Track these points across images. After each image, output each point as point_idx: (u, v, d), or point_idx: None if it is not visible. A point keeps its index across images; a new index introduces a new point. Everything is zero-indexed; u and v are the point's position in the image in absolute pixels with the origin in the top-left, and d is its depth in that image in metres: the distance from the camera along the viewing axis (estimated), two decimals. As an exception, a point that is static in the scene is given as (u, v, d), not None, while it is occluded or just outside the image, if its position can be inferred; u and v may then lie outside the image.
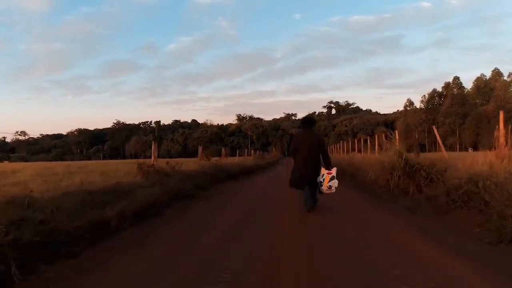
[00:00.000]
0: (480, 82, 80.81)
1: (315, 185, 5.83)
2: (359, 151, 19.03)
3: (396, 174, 6.64)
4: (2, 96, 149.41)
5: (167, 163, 7.96)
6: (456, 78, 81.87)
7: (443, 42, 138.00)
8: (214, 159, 11.23)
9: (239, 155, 20.51)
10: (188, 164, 10.23)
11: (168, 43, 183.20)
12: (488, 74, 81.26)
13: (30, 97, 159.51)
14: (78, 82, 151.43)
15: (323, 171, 5.88)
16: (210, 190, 8.29)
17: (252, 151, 26.91)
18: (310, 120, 6.29)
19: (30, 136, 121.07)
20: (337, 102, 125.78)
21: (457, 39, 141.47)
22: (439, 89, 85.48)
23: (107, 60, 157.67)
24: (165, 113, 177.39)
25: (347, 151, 23.24)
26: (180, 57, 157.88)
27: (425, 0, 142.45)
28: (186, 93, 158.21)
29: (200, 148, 11.05)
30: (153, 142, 7.66)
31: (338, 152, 26.44)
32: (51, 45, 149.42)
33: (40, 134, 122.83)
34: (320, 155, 5.91)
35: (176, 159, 11.79)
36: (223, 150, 14.72)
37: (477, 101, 79.33)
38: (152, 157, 7.59)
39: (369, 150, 14.83)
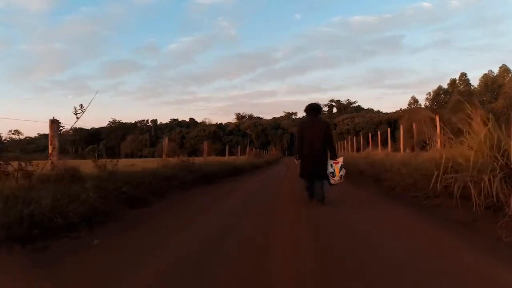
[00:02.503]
0: (488, 79, 77.73)
1: (324, 176, 5.52)
2: (362, 148, 16.39)
3: (490, 178, 3.55)
4: (5, 97, 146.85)
5: (94, 161, 4.97)
6: (463, 75, 78.86)
7: (443, 43, 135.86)
8: (185, 158, 8.12)
9: (230, 154, 17.41)
10: (148, 163, 7.24)
11: (169, 43, 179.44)
12: (495, 70, 78.34)
13: (31, 97, 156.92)
14: (78, 82, 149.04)
15: (329, 161, 5.57)
16: (153, 204, 4.89)
17: (248, 149, 23.78)
18: (315, 107, 5.79)
19: (27, 136, 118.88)
20: (338, 101, 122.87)
21: (457, 39, 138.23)
22: (445, 86, 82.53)
23: (108, 60, 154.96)
24: (165, 113, 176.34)
25: (357, 149, 20.25)
26: (180, 57, 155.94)
27: (425, 0, 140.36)
28: (186, 93, 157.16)
29: (165, 141, 7.95)
30: (50, 122, 4.59)
31: (346, 150, 23.35)
32: (52, 46, 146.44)
33: (38, 134, 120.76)
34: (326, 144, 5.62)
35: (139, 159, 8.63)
36: (204, 145, 11.63)
37: (485, 98, 76.29)
38: (50, 151, 4.54)
39: (389, 145, 11.79)
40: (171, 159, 7.60)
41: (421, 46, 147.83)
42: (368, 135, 14.57)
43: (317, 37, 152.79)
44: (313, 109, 5.75)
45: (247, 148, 23.76)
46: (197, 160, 9.41)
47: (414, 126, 10.30)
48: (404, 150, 11.91)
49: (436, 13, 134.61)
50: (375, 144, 21.28)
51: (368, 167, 9.53)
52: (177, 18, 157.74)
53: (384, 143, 17.34)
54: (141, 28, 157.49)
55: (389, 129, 11.72)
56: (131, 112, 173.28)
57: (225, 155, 20.62)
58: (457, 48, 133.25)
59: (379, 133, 12.65)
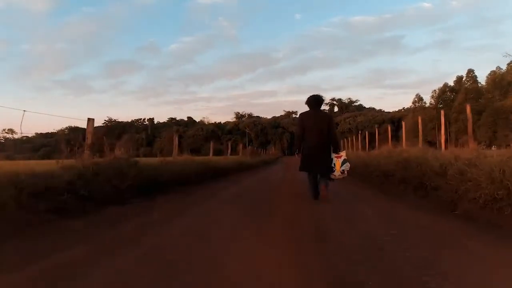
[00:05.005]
0: (496, 76, 74.75)
1: (326, 170, 5.22)
2: (378, 145, 13.76)
3: None
4: (5, 96, 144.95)
5: None
6: (470, 71, 75.98)
7: (444, 43, 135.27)
8: (123, 154, 5.17)
9: (215, 154, 14.56)
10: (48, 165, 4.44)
11: (170, 43, 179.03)
12: (503, 67, 75.33)
13: (32, 97, 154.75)
14: (79, 82, 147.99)
15: (331, 155, 5.30)
16: None
17: (241, 146, 20.90)
18: (317, 99, 5.43)
19: (24, 135, 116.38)
20: (339, 100, 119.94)
21: (458, 39, 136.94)
22: (451, 83, 79.66)
23: (109, 60, 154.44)
24: (166, 113, 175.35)
25: (368, 146, 17.45)
26: (181, 57, 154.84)
27: (425, 0, 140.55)
28: (187, 93, 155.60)
29: (88, 126, 5.03)
30: None
31: (355, 147, 20.44)
32: (54, 45, 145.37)
33: (35, 133, 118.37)
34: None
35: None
36: (174, 140, 8.74)
37: (491, 96, 73.27)
38: None
39: (420, 140, 8.92)
40: (91, 158, 4.75)
41: (422, 46, 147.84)
42: (388, 129, 11.81)
43: (317, 37, 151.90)
44: (315, 101, 5.43)
45: (240, 146, 20.88)
46: (157, 159, 6.59)
47: (468, 113, 7.49)
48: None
49: (437, 13, 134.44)
50: (379, 142, 18.52)
51: (399, 169, 6.68)
52: (178, 18, 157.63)
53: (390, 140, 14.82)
54: (142, 28, 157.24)
55: (419, 119, 8.84)
56: (132, 112, 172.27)
57: (221, 155, 17.84)
58: (457, 48, 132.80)
59: (403, 123, 9.72)
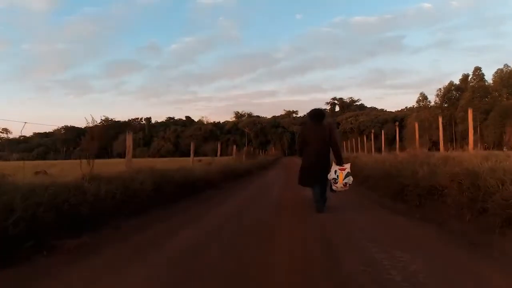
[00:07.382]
0: (503, 74, 72.28)
1: (325, 183, 5.27)
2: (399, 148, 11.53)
3: None
4: (6, 96, 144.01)
5: None
6: (477, 69, 73.47)
7: (444, 43, 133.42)
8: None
9: (195, 155, 12.16)
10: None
11: (171, 43, 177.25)
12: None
13: (33, 97, 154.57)
14: (80, 81, 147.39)
15: (334, 167, 5.28)
16: None
17: (235, 147, 18.51)
18: (319, 114, 5.49)
19: (21, 135, 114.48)
20: (341, 99, 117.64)
21: (458, 40, 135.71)
22: (456, 81, 77.21)
23: (110, 60, 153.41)
24: (166, 113, 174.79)
25: (376, 148, 15.09)
26: (182, 57, 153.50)
27: (426, 1, 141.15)
28: (187, 93, 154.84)
29: None
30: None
31: (366, 150, 18.02)
32: (55, 45, 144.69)
33: (33, 133, 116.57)
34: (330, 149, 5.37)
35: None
36: (128, 140, 6.40)
37: (498, 94, 70.95)
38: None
39: (470, 142, 6.44)
40: None
41: (422, 47, 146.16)
42: (415, 127, 9.52)
43: (318, 37, 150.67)
44: (316, 115, 5.47)
45: (234, 147, 18.49)
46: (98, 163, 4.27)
47: None
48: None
49: (437, 13, 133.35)
50: (378, 144, 16.24)
51: (457, 186, 4.29)
52: (179, 18, 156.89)
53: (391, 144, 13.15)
54: (143, 28, 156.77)
55: (470, 112, 6.51)
56: (132, 112, 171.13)
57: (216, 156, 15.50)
58: (458, 48, 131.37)
59: (440, 119, 7.37)
